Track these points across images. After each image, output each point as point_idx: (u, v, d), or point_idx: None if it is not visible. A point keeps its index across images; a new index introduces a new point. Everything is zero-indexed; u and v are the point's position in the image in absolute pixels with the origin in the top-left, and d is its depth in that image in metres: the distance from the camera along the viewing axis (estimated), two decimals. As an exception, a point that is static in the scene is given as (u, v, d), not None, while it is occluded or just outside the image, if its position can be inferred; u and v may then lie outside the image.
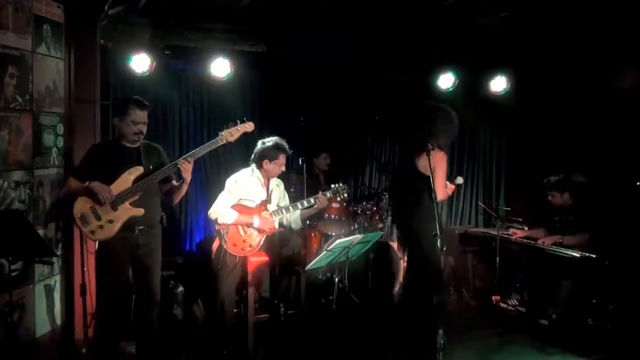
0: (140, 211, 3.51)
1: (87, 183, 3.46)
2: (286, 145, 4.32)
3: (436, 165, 3.73)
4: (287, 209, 4.32)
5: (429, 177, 3.77)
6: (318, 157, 5.86)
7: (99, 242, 3.58)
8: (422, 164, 3.93)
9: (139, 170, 3.53)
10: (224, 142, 3.66)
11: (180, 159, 3.57)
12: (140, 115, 3.54)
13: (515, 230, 5.30)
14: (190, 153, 3.61)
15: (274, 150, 4.27)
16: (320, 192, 4.37)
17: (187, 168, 3.55)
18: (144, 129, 3.57)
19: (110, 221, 3.46)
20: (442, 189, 3.87)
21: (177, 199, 3.80)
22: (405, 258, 4.53)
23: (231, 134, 3.68)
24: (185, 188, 3.70)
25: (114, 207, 3.46)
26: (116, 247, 3.52)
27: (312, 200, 4.33)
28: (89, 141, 4.21)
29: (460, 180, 4.14)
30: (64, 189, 3.71)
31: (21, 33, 3.72)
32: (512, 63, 6.00)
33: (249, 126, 3.76)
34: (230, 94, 5.66)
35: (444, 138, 4.01)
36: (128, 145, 3.59)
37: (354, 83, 6.14)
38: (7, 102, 3.63)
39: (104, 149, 3.69)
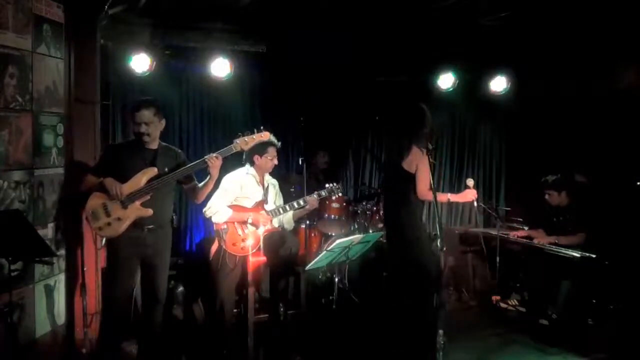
0: (148, 212, 3.54)
1: (101, 179, 3.52)
2: (273, 138, 4.33)
3: (422, 165, 3.78)
4: (283, 208, 4.35)
5: (413, 176, 3.82)
6: (316, 156, 5.87)
7: (106, 240, 3.61)
8: (407, 164, 3.94)
9: (153, 171, 3.57)
10: (238, 149, 3.70)
11: (209, 155, 3.61)
12: (138, 116, 3.57)
13: (515, 232, 5.29)
14: (218, 152, 3.65)
15: (262, 144, 4.28)
16: (315, 193, 4.39)
17: (215, 164, 3.60)
18: (146, 129, 3.58)
19: (119, 219, 3.51)
20: (427, 188, 3.89)
21: (202, 197, 3.85)
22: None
23: (246, 142, 3.71)
24: (211, 185, 3.76)
25: (124, 206, 3.51)
26: (124, 245, 3.56)
27: (301, 202, 4.37)
28: (89, 141, 4.22)
29: (471, 182, 4.19)
30: (81, 185, 3.74)
31: (21, 33, 3.72)
32: (512, 63, 6.01)
33: (264, 135, 3.81)
34: (230, 94, 5.67)
35: (428, 137, 4.06)
36: (147, 146, 3.64)
37: (354, 83, 6.14)
38: (7, 102, 3.63)
39: (123, 148, 3.78)
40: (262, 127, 3.79)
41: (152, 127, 3.60)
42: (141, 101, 3.65)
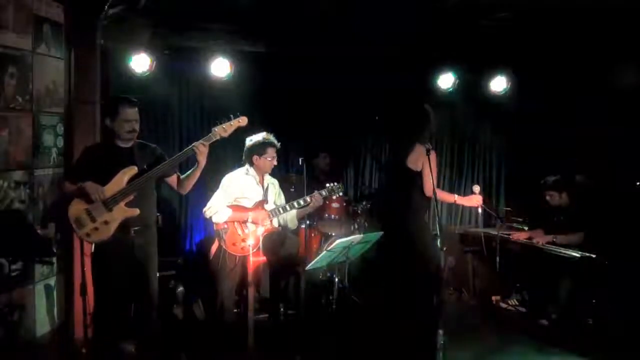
0: (135, 212, 3.47)
1: (79, 184, 3.42)
2: (273, 138, 4.32)
3: (433, 164, 3.77)
4: (283, 208, 4.34)
5: (417, 175, 3.81)
6: (317, 157, 5.86)
7: (95, 244, 3.53)
8: (411, 162, 3.95)
9: (133, 170, 3.49)
10: (218, 137, 3.62)
11: (196, 142, 3.56)
12: (131, 113, 3.51)
13: (517, 234, 5.27)
14: (204, 138, 3.58)
15: (261, 144, 4.28)
16: (316, 192, 4.39)
17: (203, 151, 3.54)
18: (137, 126, 3.55)
19: (106, 222, 3.43)
20: (435, 185, 3.92)
21: (189, 186, 3.77)
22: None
23: (224, 129, 3.64)
24: (198, 173, 3.68)
25: (109, 208, 3.42)
26: (112, 248, 3.48)
27: (307, 199, 4.35)
28: (89, 141, 4.21)
29: (477, 188, 4.26)
30: (60, 193, 3.68)
31: (21, 33, 3.73)
32: (512, 63, 6.00)
33: (242, 121, 3.72)
34: (230, 94, 5.66)
35: (432, 133, 4.07)
36: (122, 145, 3.57)
37: (354, 83, 6.13)
38: (7, 102, 3.63)
39: (98, 151, 3.66)
40: (238, 113, 3.72)
41: (138, 124, 3.57)
42: (128, 99, 3.57)
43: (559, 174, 5.04)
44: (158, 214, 3.76)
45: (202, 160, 3.58)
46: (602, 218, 4.82)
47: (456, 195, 4.24)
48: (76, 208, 3.44)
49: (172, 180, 3.78)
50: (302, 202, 4.36)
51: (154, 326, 3.73)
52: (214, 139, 3.63)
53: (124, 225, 3.47)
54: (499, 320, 5.02)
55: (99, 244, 3.51)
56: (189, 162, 3.80)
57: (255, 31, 5.39)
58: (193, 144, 3.56)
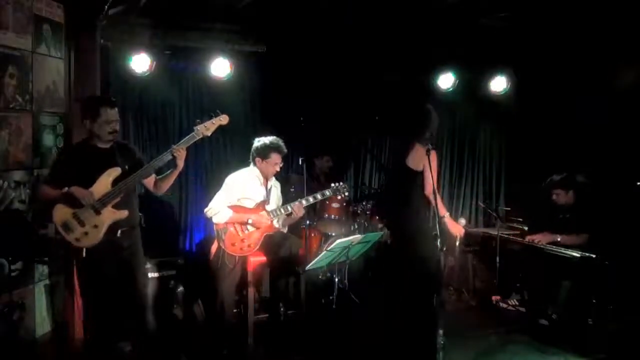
0: (124, 213, 3.45)
1: (65, 189, 3.36)
2: (280, 144, 4.31)
3: (433, 164, 3.78)
4: (278, 210, 4.35)
5: (418, 175, 3.81)
6: (320, 158, 5.86)
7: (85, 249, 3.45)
8: (412, 162, 3.95)
9: (116, 171, 3.45)
10: (201, 136, 3.61)
11: (174, 146, 3.54)
12: (112, 114, 3.46)
13: (533, 237, 5.15)
14: (181, 142, 3.57)
15: (266, 148, 4.28)
16: (311, 195, 4.37)
17: (181, 154, 3.53)
18: (118, 127, 3.51)
19: (96, 226, 3.38)
20: (435, 185, 3.92)
21: (165, 187, 3.75)
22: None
23: (207, 128, 3.63)
24: (176, 175, 3.67)
25: (97, 212, 3.37)
26: (102, 251, 3.44)
27: (288, 208, 4.33)
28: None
29: (463, 221, 4.25)
30: (40, 198, 3.59)
31: (21, 33, 3.73)
32: (512, 63, 6.00)
33: (224, 119, 3.71)
34: (230, 94, 5.66)
35: (433, 134, 4.07)
36: (101, 146, 3.52)
37: (354, 83, 6.14)
38: (7, 102, 3.64)
39: (77, 152, 3.58)
40: (218, 111, 3.71)
41: (119, 124, 3.53)
42: (108, 99, 3.54)
43: (564, 172, 5.02)
44: (140, 214, 3.74)
45: (181, 163, 3.57)
46: (604, 218, 4.81)
47: (447, 213, 4.17)
48: (63, 212, 3.37)
49: (149, 181, 3.73)
50: (286, 209, 4.34)
51: (147, 327, 3.72)
52: (197, 138, 3.61)
53: (111, 227, 3.43)
54: (499, 320, 5.01)
55: (89, 248, 3.43)
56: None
57: (255, 31, 5.40)
58: (171, 148, 3.54)
